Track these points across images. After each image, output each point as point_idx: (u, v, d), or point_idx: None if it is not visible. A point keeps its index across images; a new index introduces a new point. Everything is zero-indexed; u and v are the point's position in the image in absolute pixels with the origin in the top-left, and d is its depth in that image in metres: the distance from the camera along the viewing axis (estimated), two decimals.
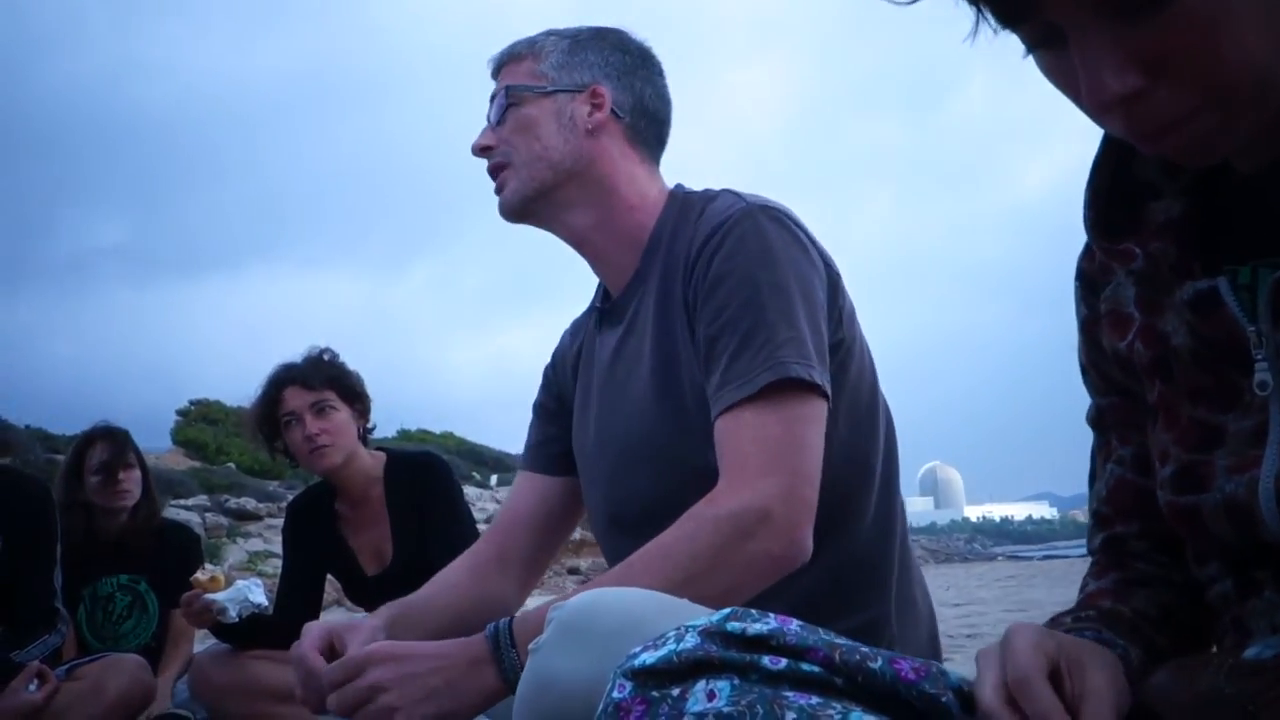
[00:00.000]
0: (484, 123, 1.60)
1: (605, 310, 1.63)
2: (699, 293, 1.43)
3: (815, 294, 1.42)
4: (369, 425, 3.12)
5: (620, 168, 1.57)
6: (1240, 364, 0.82)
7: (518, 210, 1.58)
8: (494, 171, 1.59)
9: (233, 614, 2.80)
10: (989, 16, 0.72)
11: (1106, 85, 0.70)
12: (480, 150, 1.59)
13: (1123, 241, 0.88)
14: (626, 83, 1.59)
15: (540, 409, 1.76)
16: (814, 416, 1.35)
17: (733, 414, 1.35)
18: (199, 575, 2.86)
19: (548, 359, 1.79)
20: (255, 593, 2.84)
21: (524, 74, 1.58)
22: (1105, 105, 0.71)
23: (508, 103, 1.57)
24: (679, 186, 1.62)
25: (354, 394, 3.07)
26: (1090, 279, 0.98)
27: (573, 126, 1.55)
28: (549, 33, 1.62)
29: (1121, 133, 0.75)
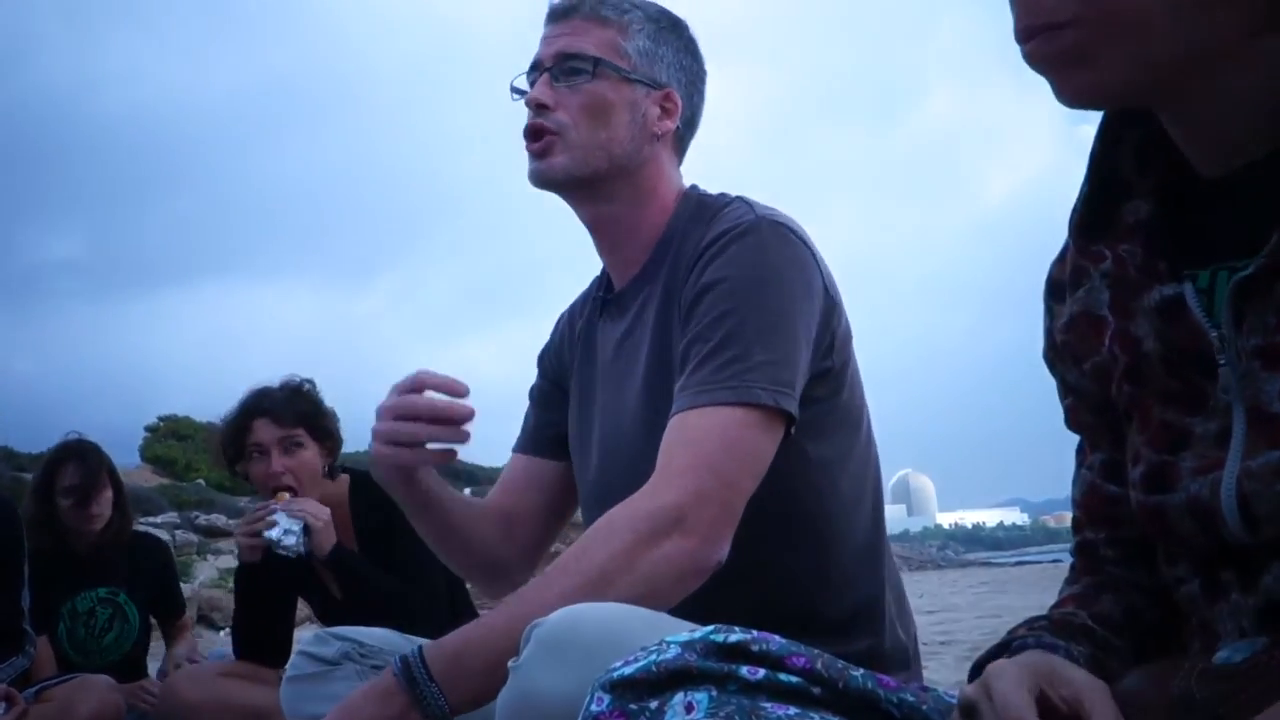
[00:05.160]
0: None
1: (608, 300, 1.60)
2: (690, 297, 1.40)
3: (805, 317, 1.38)
4: (334, 462, 3.08)
5: (665, 175, 1.54)
6: (1205, 368, 0.83)
7: (557, 184, 1.50)
8: (541, 131, 1.49)
9: (290, 542, 2.74)
10: None
11: None
12: (539, 106, 1.48)
13: (1096, 243, 0.91)
14: (688, 93, 1.55)
15: (536, 393, 1.73)
16: (760, 428, 1.31)
17: (679, 417, 1.32)
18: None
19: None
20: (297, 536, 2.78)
21: (607, 45, 1.49)
22: None
23: (585, 70, 1.47)
24: (693, 187, 1.58)
25: (325, 433, 3.02)
26: (1058, 286, 0.99)
27: (642, 125, 1.49)
28: (633, 3, 1.53)
29: (1012, 16, 0.79)
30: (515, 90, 1.56)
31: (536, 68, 1.52)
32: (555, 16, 1.53)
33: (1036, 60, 0.80)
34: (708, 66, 1.60)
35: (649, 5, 1.54)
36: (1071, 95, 0.80)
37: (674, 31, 1.55)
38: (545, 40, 1.53)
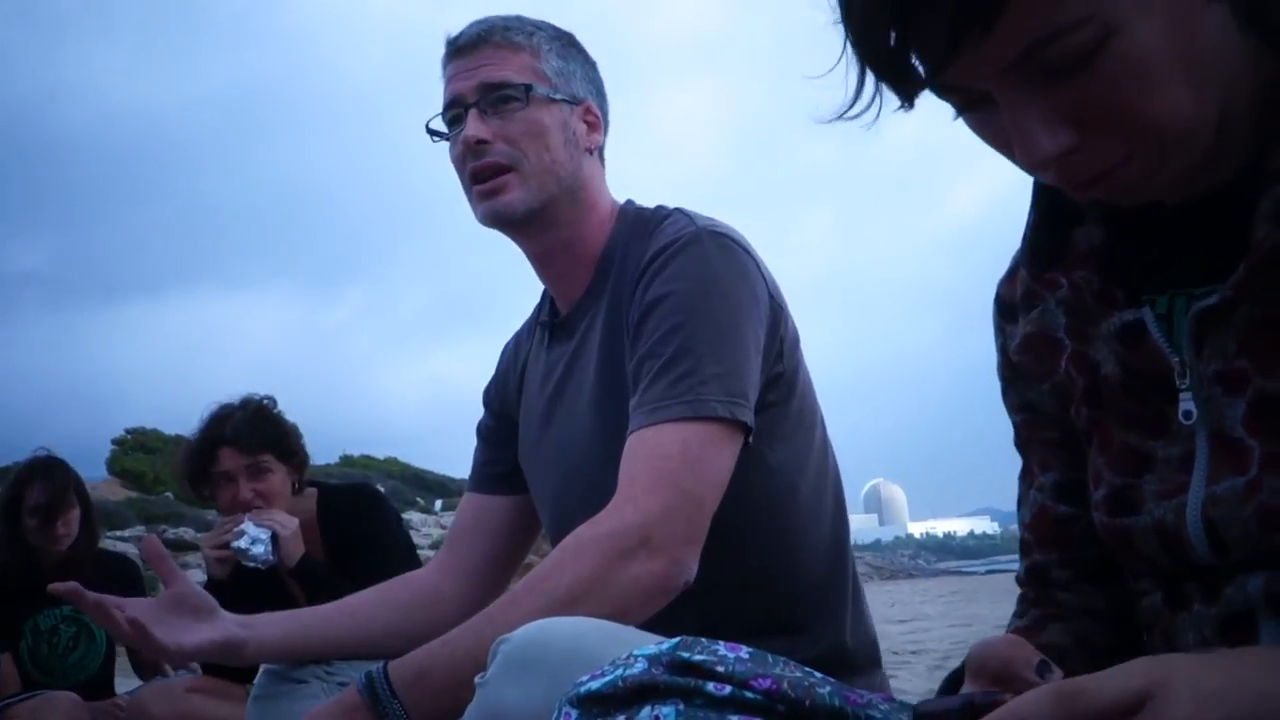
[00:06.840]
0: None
1: (555, 325, 1.58)
2: (636, 314, 1.40)
3: (753, 326, 1.38)
4: (302, 478, 3.06)
5: (600, 189, 1.54)
6: (1166, 393, 0.84)
7: (517, 221, 1.47)
8: (490, 171, 1.45)
9: (259, 551, 2.71)
10: (901, 90, 0.73)
11: (1039, 145, 0.72)
12: (478, 144, 1.44)
13: (1050, 270, 0.90)
14: (599, 101, 1.55)
15: (482, 430, 1.73)
16: (720, 442, 1.31)
17: (637, 435, 1.32)
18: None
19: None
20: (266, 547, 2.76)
21: (526, 69, 1.47)
22: (1041, 163, 0.73)
23: (517, 97, 1.45)
24: (629, 202, 1.57)
25: (290, 452, 3.00)
26: (1008, 306, 0.99)
27: (575, 142, 1.49)
28: (534, 25, 1.51)
29: (1056, 183, 0.77)
30: (434, 133, 1.52)
31: (456, 105, 1.47)
32: (462, 50, 1.48)
33: (1102, 198, 0.78)
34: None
35: (546, 24, 1.53)
36: (1140, 202, 0.79)
37: (573, 45, 1.55)
38: (457, 77, 1.47)
